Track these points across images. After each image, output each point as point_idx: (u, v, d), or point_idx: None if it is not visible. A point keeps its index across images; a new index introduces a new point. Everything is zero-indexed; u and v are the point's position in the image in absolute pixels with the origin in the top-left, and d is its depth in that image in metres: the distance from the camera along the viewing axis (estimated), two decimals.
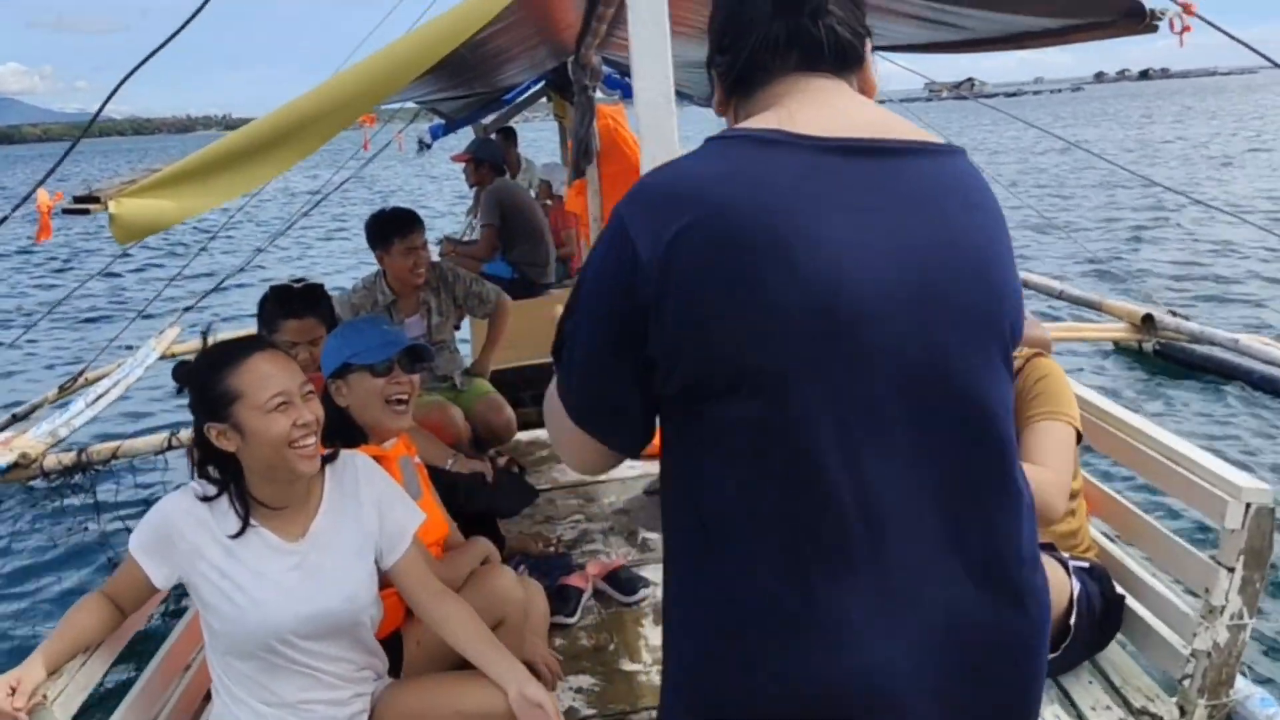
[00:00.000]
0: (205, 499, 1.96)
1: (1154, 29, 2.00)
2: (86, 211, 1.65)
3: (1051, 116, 56.12)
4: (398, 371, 2.53)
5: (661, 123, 1.69)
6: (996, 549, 1.13)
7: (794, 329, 1.04)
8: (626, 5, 1.65)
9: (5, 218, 2.45)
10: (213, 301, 9.23)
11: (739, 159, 1.09)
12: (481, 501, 3.13)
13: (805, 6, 1.15)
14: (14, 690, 1.80)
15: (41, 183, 1.84)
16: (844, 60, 1.18)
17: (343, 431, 2.39)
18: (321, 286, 3.16)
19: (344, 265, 17.45)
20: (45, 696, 1.84)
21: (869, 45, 1.23)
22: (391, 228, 3.88)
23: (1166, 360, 8.08)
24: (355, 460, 2.16)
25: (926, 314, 1.07)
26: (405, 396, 2.54)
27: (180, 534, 1.92)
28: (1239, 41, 2.09)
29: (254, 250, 9.08)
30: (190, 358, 2.05)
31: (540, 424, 4.71)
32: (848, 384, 1.05)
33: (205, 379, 1.93)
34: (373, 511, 2.09)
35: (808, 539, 1.05)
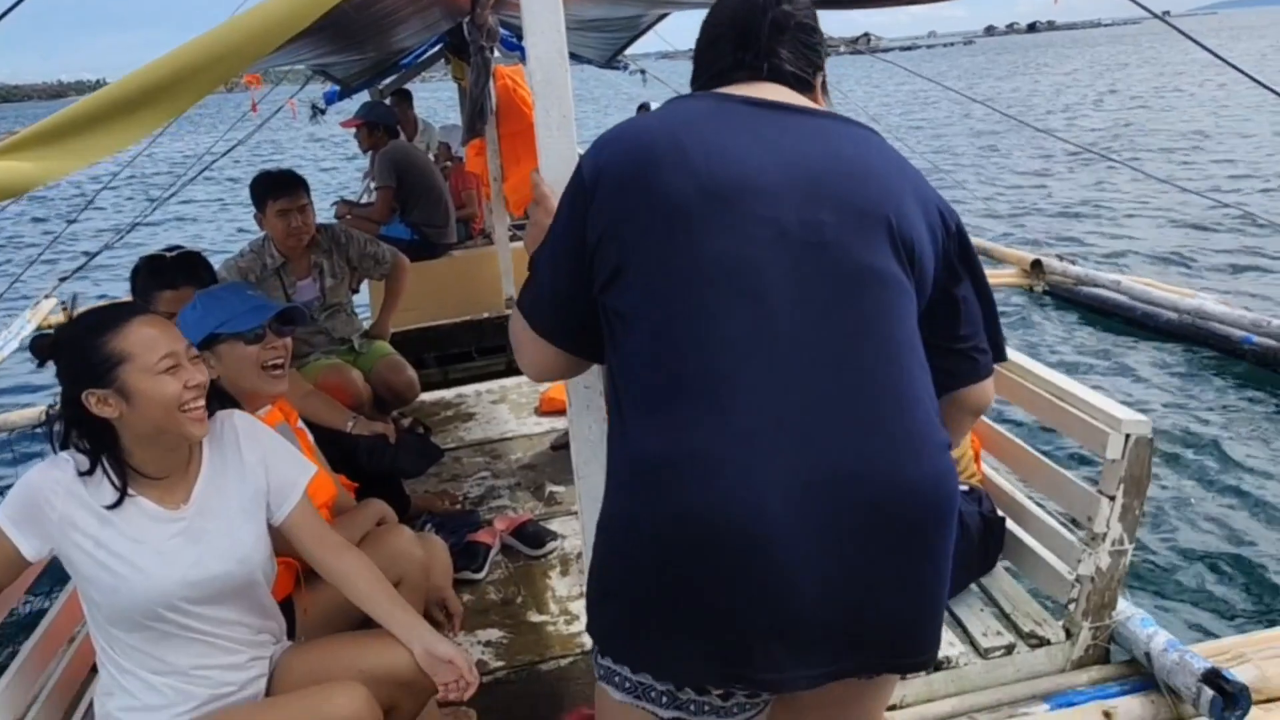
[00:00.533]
0: (81, 473, 1.88)
1: None
2: None
3: (947, 67, 57.34)
4: (270, 337, 2.45)
5: (556, 79, 1.67)
6: (889, 405, 1.27)
7: (686, 208, 1.27)
8: None
9: None
10: (92, 273, 8.85)
11: (669, 108, 1.44)
12: (384, 462, 3.10)
13: (759, 57, 1.44)
14: None
15: None
16: (787, 84, 1.45)
17: (213, 403, 2.30)
18: (198, 254, 3.03)
19: (235, 234, 16.89)
20: None
21: (820, 78, 1.52)
22: (267, 188, 3.76)
23: (1054, 300, 8.48)
24: (233, 419, 2.08)
25: (807, 200, 1.29)
26: (281, 361, 2.46)
27: (50, 504, 1.83)
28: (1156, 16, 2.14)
29: (134, 220, 8.71)
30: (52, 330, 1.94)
31: (442, 384, 4.72)
32: (731, 248, 1.26)
33: (84, 344, 1.84)
34: (259, 468, 2.03)
35: (681, 389, 1.25)
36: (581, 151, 1.52)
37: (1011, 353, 2.72)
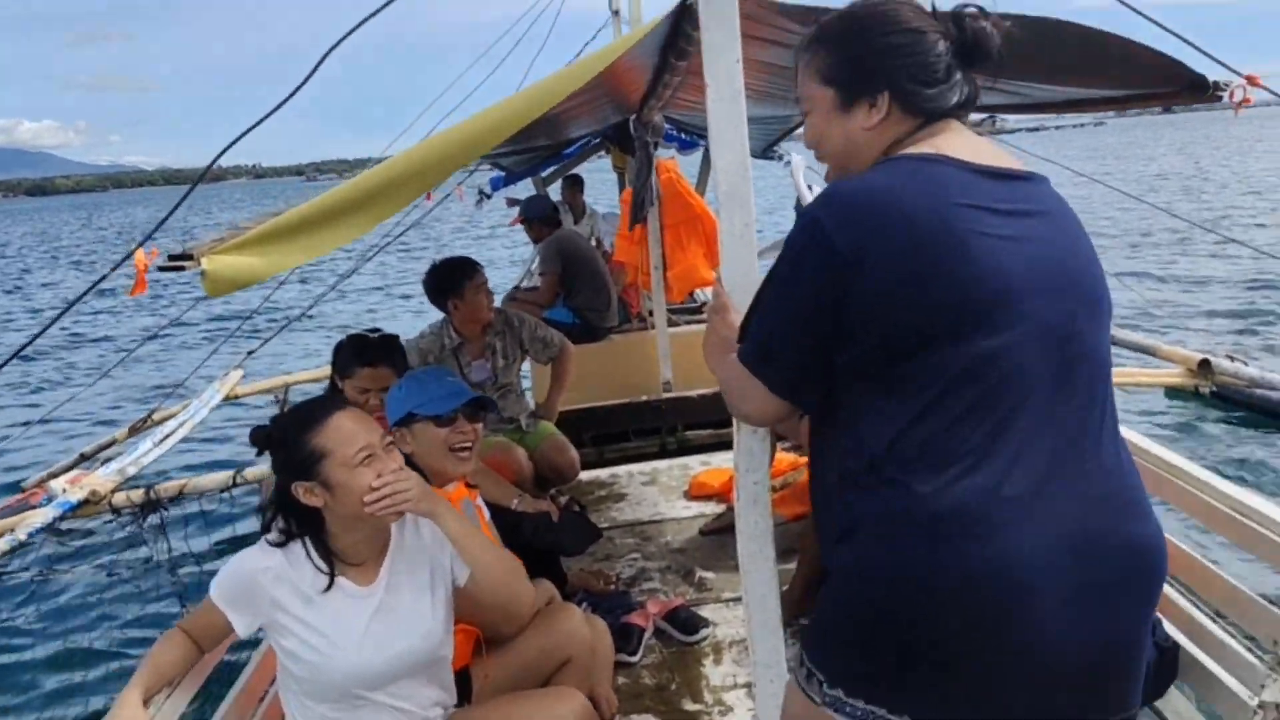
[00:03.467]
0: (278, 545, 2.05)
1: (1217, 99, 2.07)
2: (181, 269, 1.73)
3: (1078, 150, 55.71)
4: (461, 421, 2.63)
5: (739, 191, 1.79)
6: (1120, 473, 1.44)
7: (969, 301, 1.35)
8: (706, 82, 1.75)
9: (104, 276, 2.62)
10: (272, 348, 9.51)
11: (910, 172, 1.43)
12: (547, 539, 3.22)
13: (972, 90, 1.53)
14: None
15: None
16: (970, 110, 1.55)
17: None
18: (396, 337, 3.29)
19: (392, 312, 17.82)
20: None
21: None
22: (460, 272, 4.09)
23: (1224, 403, 7.99)
24: None
25: (1061, 292, 1.41)
26: (469, 445, 2.65)
27: (261, 587, 2.01)
28: None
29: (313, 300, 9.34)
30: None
31: (597, 463, 4.85)
32: (1004, 341, 1.36)
33: (290, 440, 2.03)
34: (438, 541, 2.17)
35: (957, 453, 1.35)
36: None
37: (1185, 463, 2.65)
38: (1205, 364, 8.23)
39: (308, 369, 9.16)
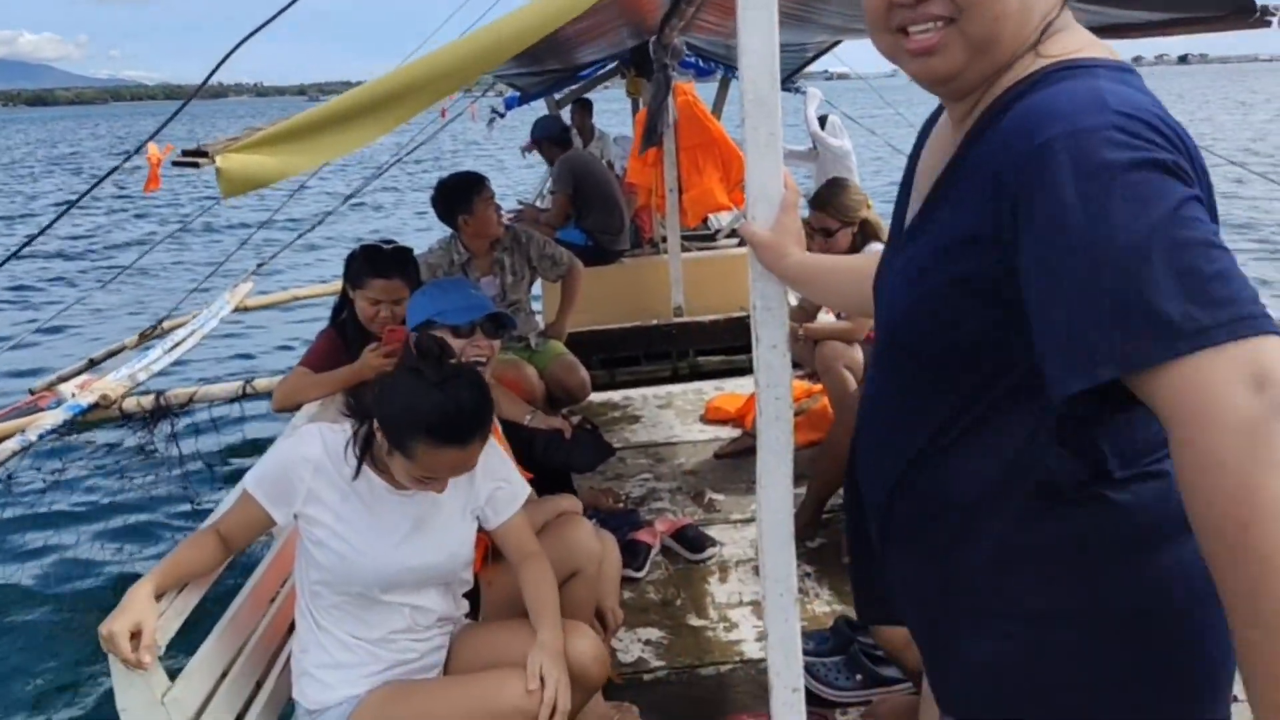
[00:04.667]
0: (349, 415, 2.08)
1: (1267, 24, 1.97)
2: (195, 165, 1.70)
3: None
4: (479, 335, 2.64)
5: (767, 100, 1.74)
6: None
7: None
8: None
9: (116, 168, 2.59)
10: (283, 258, 9.51)
11: (1137, 86, 1.04)
12: (559, 456, 3.23)
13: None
14: (135, 635, 1.83)
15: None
16: None
17: None
18: (410, 250, 3.26)
19: (404, 227, 17.76)
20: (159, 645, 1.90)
21: None
22: (469, 186, 4.10)
23: None
24: None
25: None
26: (484, 359, 2.64)
27: (300, 478, 2.02)
28: None
29: (326, 210, 9.28)
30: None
31: (609, 386, 4.85)
32: None
33: (407, 424, 1.95)
34: (484, 481, 2.19)
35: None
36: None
37: None
38: None
39: (322, 283, 9.16)
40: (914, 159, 1.37)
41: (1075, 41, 1.10)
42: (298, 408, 3.13)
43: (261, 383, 5.93)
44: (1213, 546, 0.87)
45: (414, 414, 1.93)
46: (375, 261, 3.16)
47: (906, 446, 1.23)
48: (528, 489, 2.33)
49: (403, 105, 1.90)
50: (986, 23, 1.07)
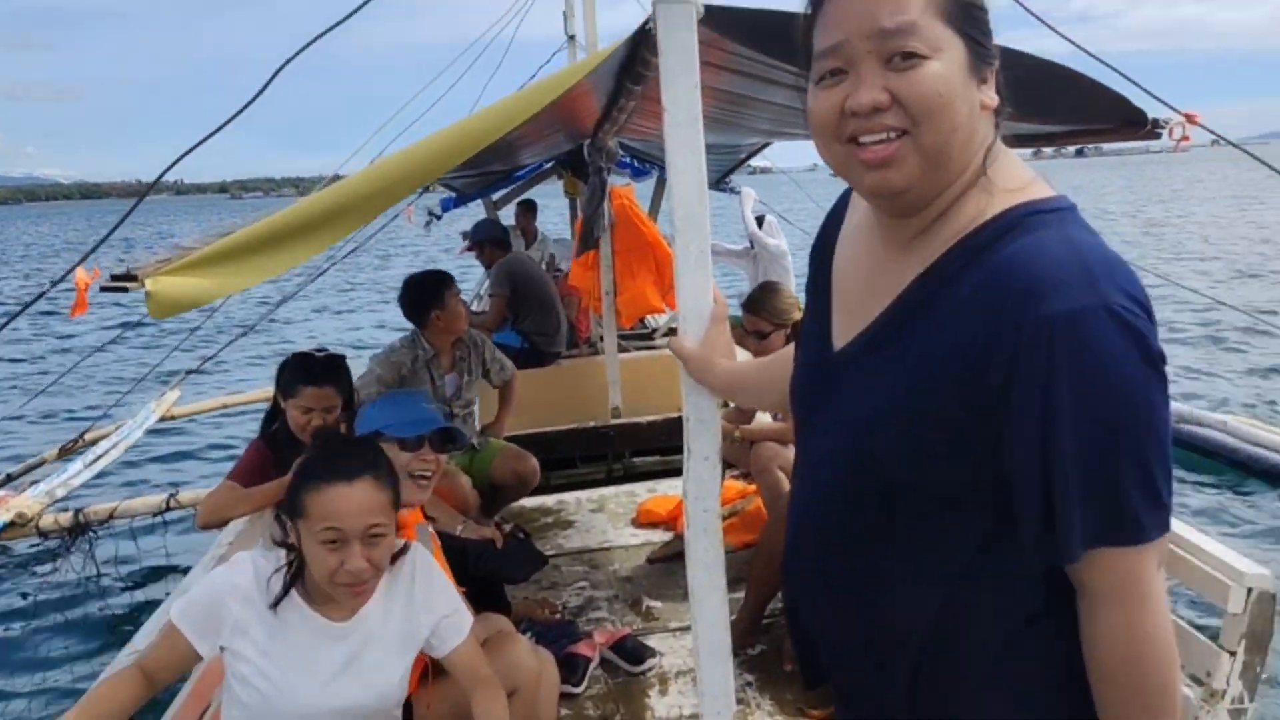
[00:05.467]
0: (280, 544, 2.00)
1: (1156, 136, 2.11)
2: (124, 289, 1.68)
3: None
4: (426, 449, 2.62)
5: (696, 217, 1.78)
6: None
7: None
8: (664, 108, 1.75)
9: (41, 294, 2.54)
10: (213, 365, 9.35)
11: (1086, 227, 1.11)
12: (491, 567, 3.17)
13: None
14: None
15: None
16: None
17: None
18: (343, 358, 3.24)
19: (336, 330, 17.63)
20: None
21: None
22: (440, 281, 4.21)
23: None
24: (415, 556, 2.17)
25: None
26: (429, 473, 2.62)
27: (227, 608, 1.94)
28: (1236, 146, 2.22)
29: (259, 318, 9.19)
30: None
31: (546, 490, 4.79)
32: None
33: (297, 482, 1.97)
34: (425, 613, 2.11)
35: None
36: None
37: None
38: None
39: (252, 390, 9.00)
40: (823, 256, 1.37)
41: (1019, 172, 1.15)
42: (224, 524, 3.04)
43: (187, 496, 5.77)
44: (1119, 693, 1.07)
45: (298, 468, 1.95)
46: (307, 369, 3.13)
47: (863, 570, 1.22)
48: (470, 617, 2.26)
49: (338, 224, 1.89)
50: (942, 134, 1.08)
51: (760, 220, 8.28)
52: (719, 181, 8.09)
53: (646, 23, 1.89)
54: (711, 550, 1.84)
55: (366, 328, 18.36)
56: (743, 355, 3.45)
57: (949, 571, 1.14)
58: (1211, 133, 2.17)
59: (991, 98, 1.13)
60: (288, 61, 2.28)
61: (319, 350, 3.25)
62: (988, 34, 1.12)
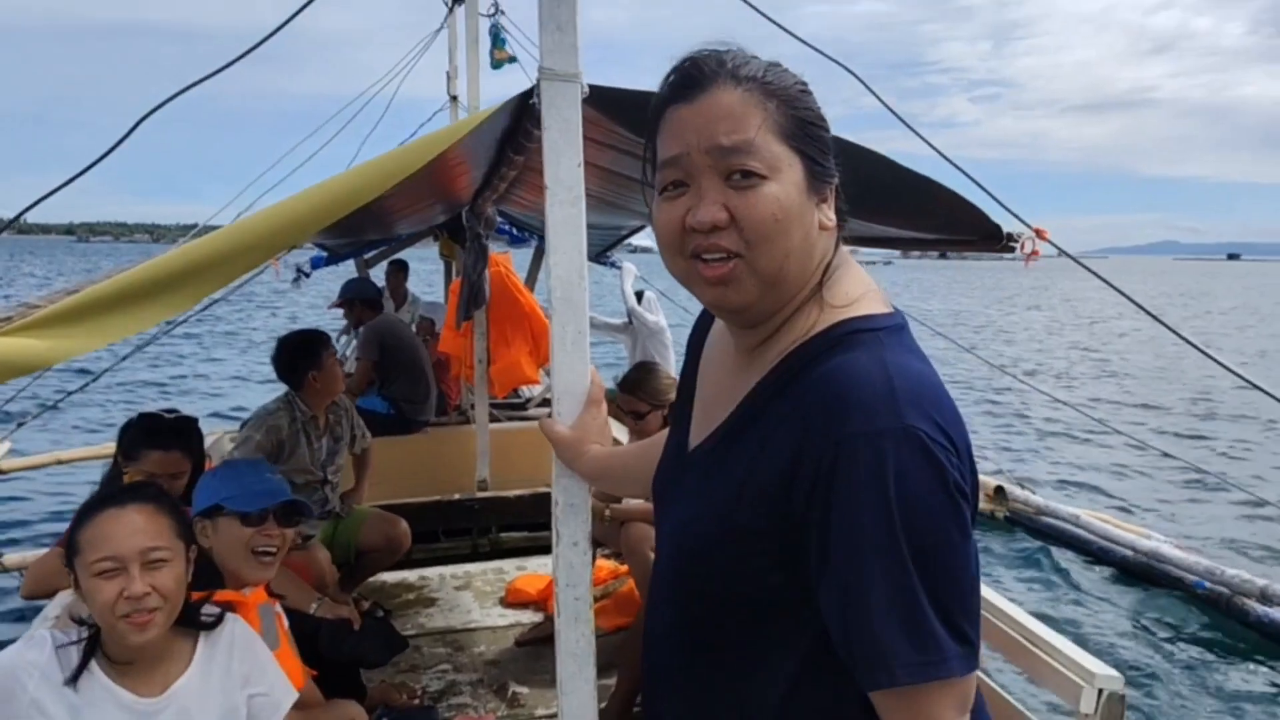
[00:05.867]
0: (78, 622, 1.86)
1: (1010, 250, 2.22)
2: None
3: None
4: (271, 523, 2.45)
5: (575, 298, 1.75)
6: None
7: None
8: (545, 185, 1.72)
9: None
10: (51, 417, 8.74)
11: (911, 348, 1.11)
12: (346, 649, 3.01)
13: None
14: None
15: None
16: None
17: (201, 572, 2.27)
18: (194, 420, 3.06)
19: (193, 388, 16.87)
20: None
21: None
22: (317, 342, 4.09)
23: (1016, 527, 8.62)
24: (235, 628, 2.06)
25: None
26: (273, 549, 2.45)
27: (23, 686, 1.78)
28: (1082, 265, 2.33)
29: (104, 368, 8.67)
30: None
31: (406, 565, 4.61)
32: None
33: (78, 517, 1.87)
34: (240, 688, 1.99)
35: None
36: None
37: (989, 592, 2.75)
38: (1000, 490, 9.01)
39: (88, 444, 8.47)
40: (696, 349, 1.39)
41: (855, 286, 1.16)
42: (53, 594, 2.81)
43: (13, 559, 5.39)
44: None
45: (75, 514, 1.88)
46: (153, 432, 2.95)
47: (704, 668, 1.20)
48: (293, 694, 2.11)
49: (199, 283, 1.79)
50: (775, 259, 1.09)
51: (640, 296, 8.35)
52: (600, 255, 8.14)
53: (530, 94, 1.87)
54: (582, 640, 1.78)
55: (217, 380, 17.61)
56: (620, 429, 3.42)
57: (788, 669, 1.11)
58: (1056, 247, 2.28)
59: (830, 218, 1.14)
60: (153, 111, 2.17)
61: (168, 411, 3.07)
62: (827, 152, 1.14)
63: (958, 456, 1.01)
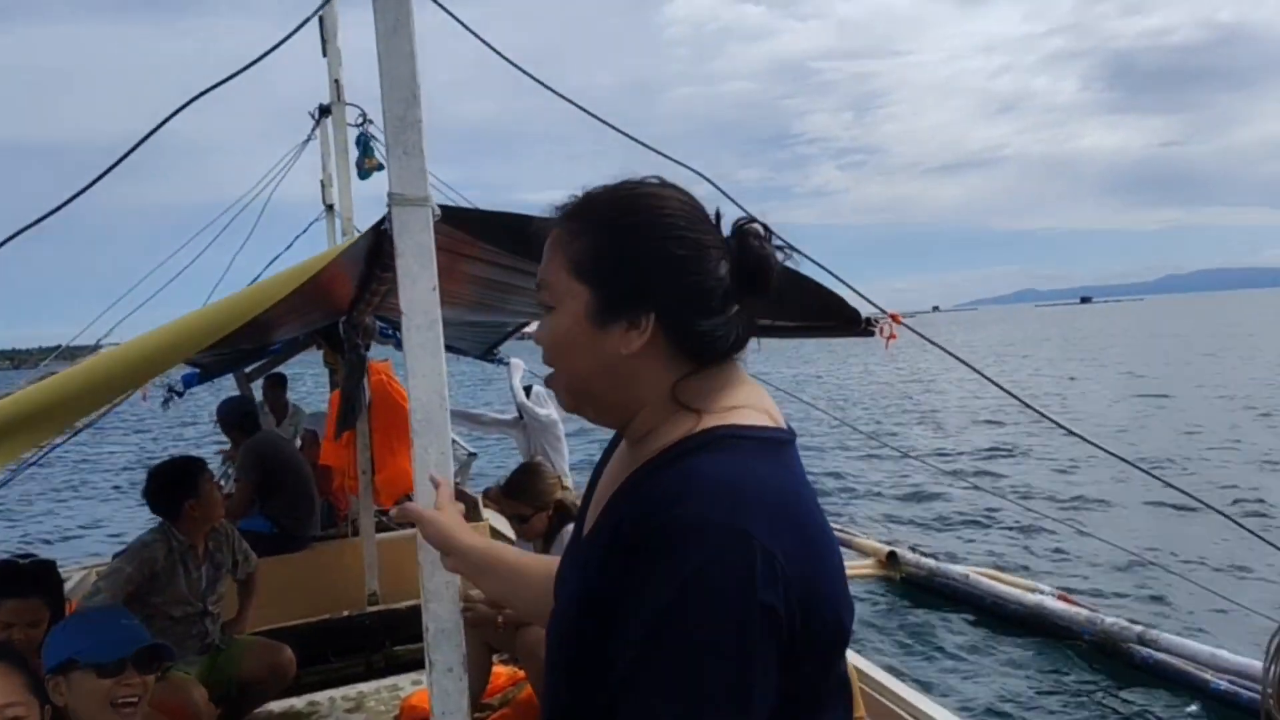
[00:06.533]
0: None
1: (870, 334, 2.34)
2: None
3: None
4: (130, 671, 2.32)
5: (435, 420, 1.76)
6: None
7: (843, 634, 1.11)
8: (401, 309, 1.74)
9: None
10: None
11: (783, 463, 1.12)
12: None
13: (760, 313, 1.22)
14: None
15: None
16: None
17: None
18: (53, 564, 2.92)
19: (57, 526, 15.99)
20: None
21: None
22: (193, 469, 3.95)
23: (912, 588, 8.87)
24: None
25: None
26: (135, 699, 2.33)
27: None
28: (936, 345, 2.47)
29: None
30: None
31: (296, 691, 4.42)
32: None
33: None
34: None
35: None
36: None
37: (868, 665, 2.81)
38: (893, 555, 9.26)
39: None
40: (608, 452, 1.39)
41: (737, 398, 1.17)
42: None
43: None
44: None
45: None
46: (11, 579, 2.81)
47: None
48: None
49: (56, 418, 1.72)
50: (567, 378, 1.22)
51: (528, 390, 8.33)
52: (487, 352, 8.12)
53: (382, 222, 1.89)
54: None
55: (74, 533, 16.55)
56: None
57: None
58: (910, 329, 2.41)
59: (632, 343, 1.14)
60: (11, 238, 2.12)
61: (24, 556, 2.93)
62: (626, 279, 1.15)
63: (786, 579, 1.00)
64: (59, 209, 2.18)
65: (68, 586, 4.07)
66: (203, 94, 2.25)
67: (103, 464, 24.23)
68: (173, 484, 3.90)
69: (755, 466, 1.08)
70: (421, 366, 1.76)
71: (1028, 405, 2.61)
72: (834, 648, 1.11)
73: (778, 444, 1.15)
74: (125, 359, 1.78)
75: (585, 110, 2.58)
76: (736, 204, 2.66)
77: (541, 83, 2.65)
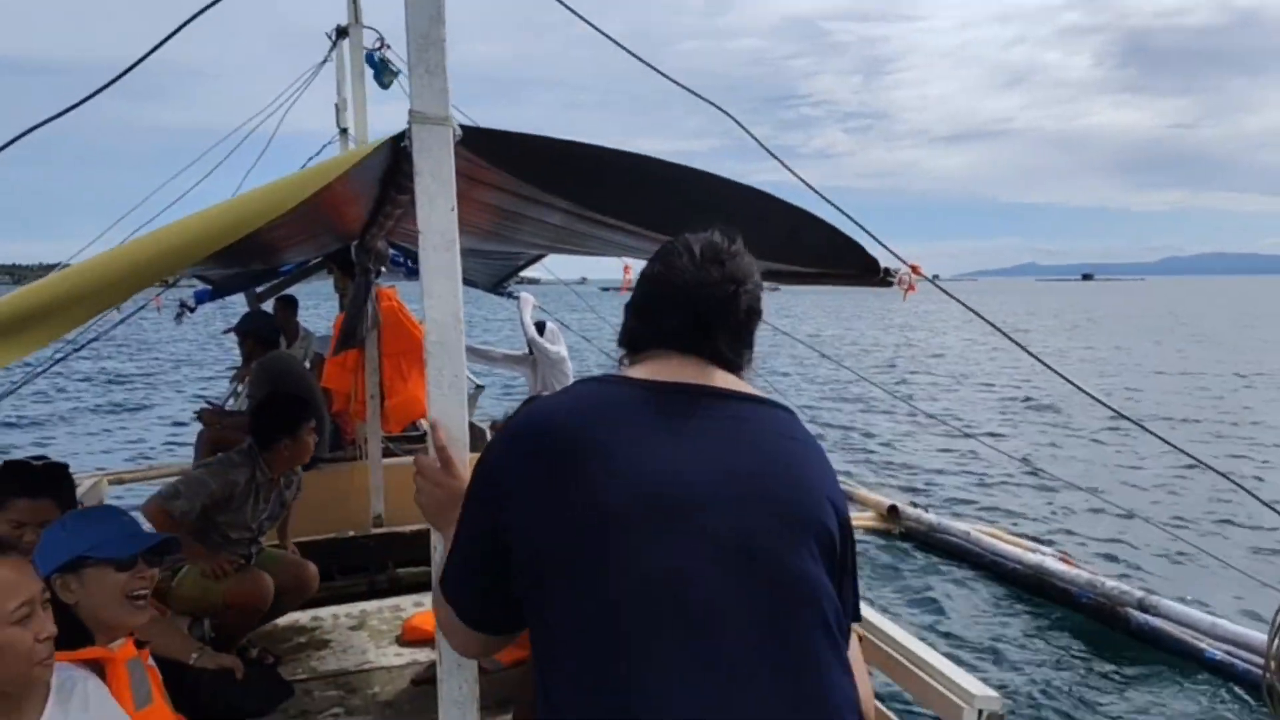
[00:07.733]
0: None
1: (889, 284, 2.31)
2: None
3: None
4: (141, 565, 2.36)
5: (450, 342, 1.75)
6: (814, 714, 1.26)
7: (606, 521, 1.26)
8: (418, 229, 1.72)
9: None
10: None
11: (582, 394, 1.42)
12: (227, 701, 2.91)
13: (705, 337, 1.45)
14: None
15: None
16: (722, 365, 1.47)
17: (63, 631, 2.17)
18: (65, 467, 2.94)
19: (69, 431, 16.07)
20: None
21: (746, 362, 1.51)
22: (300, 412, 4.07)
23: (912, 543, 8.89)
24: (89, 684, 1.98)
25: (737, 508, 1.29)
26: (146, 591, 2.36)
27: None
28: (953, 297, 2.44)
29: None
30: None
31: (299, 606, 4.49)
32: (659, 561, 1.24)
33: None
34: None
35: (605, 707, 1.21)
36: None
37: (874, 614, 2.81)
38: (894, 510, 9.29)
39: None
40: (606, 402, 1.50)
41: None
42: None
43: None
44: None
45: None
46: (23, 480, 2.83)
47: None
48: None
49: (66, 315, 1.71)
50: None
51: (541, 327, 8.31)
52: (498, 285, 8.10)
53: (402, 137, 1.86)
54: (465, 686, 1.78)
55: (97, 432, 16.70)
56: None
57: None
58: (931, 281, 2.39)
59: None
60: (9, 144, 2.10)
61: (37, 459, 2.95)
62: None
63: (514, 462, 1.37)
64: (56, 117, 2.16)
65: (79, 492, 4.11)
66: (206, 8, 2.20)
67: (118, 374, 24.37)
68: (276, 418, 4.03)
69: (547, 400, 1.47)
70: (438, 288, 1.74)
71: (1068, 380, 2.54)
72: (547, 568, 1.29)
73: (594, 381, 1.46)
74: (132, 257, 1.74)
75: (625, 48, 2.51)
76: (757, 140, 2.64)
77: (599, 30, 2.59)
